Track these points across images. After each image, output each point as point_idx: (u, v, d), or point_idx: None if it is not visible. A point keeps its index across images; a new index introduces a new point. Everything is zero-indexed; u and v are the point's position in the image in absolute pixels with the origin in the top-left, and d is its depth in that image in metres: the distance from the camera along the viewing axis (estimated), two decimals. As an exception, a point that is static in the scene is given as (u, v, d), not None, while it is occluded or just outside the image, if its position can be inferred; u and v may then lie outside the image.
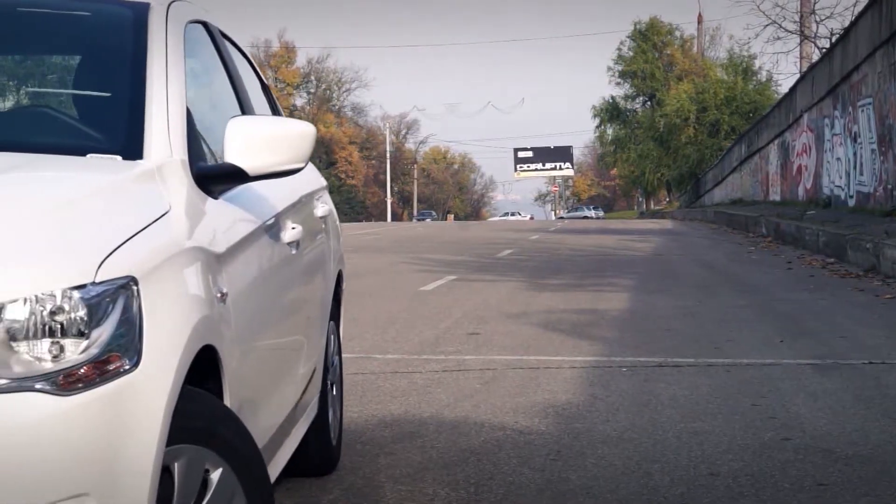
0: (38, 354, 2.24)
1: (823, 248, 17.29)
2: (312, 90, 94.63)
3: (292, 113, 77.32)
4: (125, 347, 2.32)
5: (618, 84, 64.37)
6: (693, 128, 52.84)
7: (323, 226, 4.56)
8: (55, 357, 2.25)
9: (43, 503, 2.18)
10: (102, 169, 2.92)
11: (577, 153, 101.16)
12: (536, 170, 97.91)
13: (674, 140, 54.41)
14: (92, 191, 2.69)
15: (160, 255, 2.55)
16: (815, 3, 32.77)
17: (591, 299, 11.51)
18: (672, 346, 8.22)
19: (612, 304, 11.06)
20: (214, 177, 3.12)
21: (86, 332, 2.27)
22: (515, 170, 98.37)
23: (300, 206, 4.14)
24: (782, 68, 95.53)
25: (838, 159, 23.67)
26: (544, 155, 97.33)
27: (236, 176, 3.14)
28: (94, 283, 2.31)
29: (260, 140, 3.13)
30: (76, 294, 2.27)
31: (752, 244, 21.57)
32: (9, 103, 3.56)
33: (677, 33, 63.26)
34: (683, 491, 4.44)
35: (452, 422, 5.64)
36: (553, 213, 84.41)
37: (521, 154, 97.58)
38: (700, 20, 59.94)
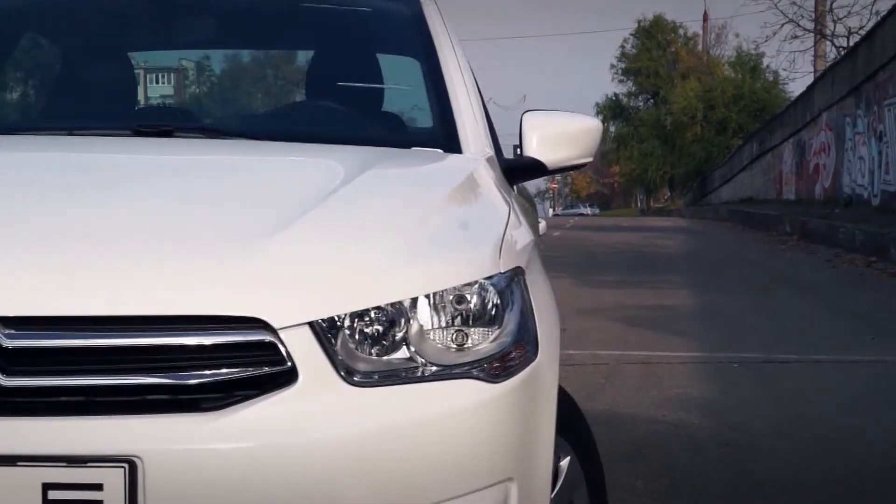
0: (469, 343, 2.29)
1: (860, 246, 17.32)
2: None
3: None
4: (527, 335, 2.37)
5: (621, 81, 64.38)
6: (700, 126, 52.91)
7: None
8: (480, 345, 2.29)
9: (479, 486, 2.22)
10: (452, 163, 2.98)
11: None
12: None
13: (680, 138, 54.47)
14: (459, 184, 2.75)
15: (527, 245, 2.60)
16: (832, 2, 32.84)
17: (654, 296, 11.56)
18: (765, 342, 8.27)
19: (678, 301, 11.11)
20: (517, 170, 3.17)
21: (501, 320, 2.32)
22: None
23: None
24: (799, 67, 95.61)
25: (861, 158, 23.73)
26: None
27: (536, 170, 3.19)
28: (500, 274, 2.36)
29: (554, 135, 3.19)
30: (490, 284, 2.32)
31: (779, 242, 21.62)
32: (307, 98, 3.61)
33: (681, 31, 63.34)
34: (870, 486, 4.48)
35: (601, 415, 5.68)
36: (551, 209, 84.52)
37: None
38: (706, 18, 60.05)
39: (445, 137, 3.12)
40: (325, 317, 2.17)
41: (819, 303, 10.97)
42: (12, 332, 2.08)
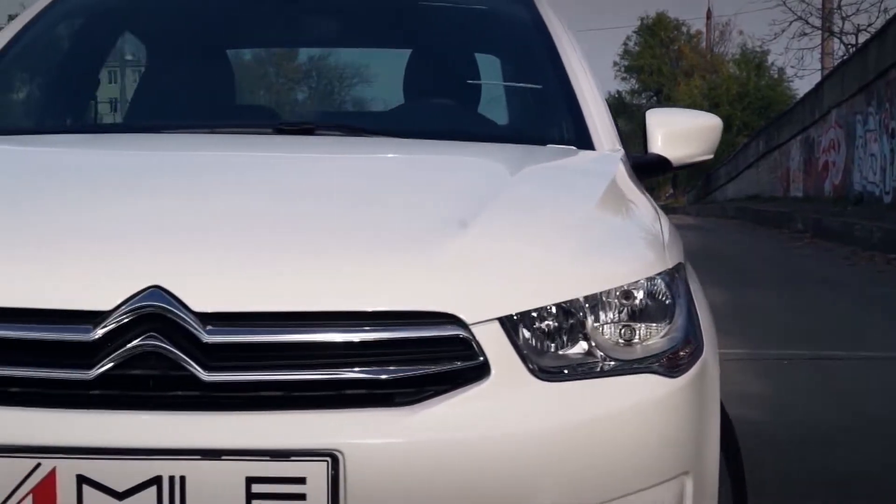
0: (644, 338, 2.34)
1: (878, 244, 17.34)
2: (314, 85, 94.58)
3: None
4: (694, 330, 2.41)
5: (624, 79, 64.46)
6: (705, 123, 52.86)
7: None
8: (655, 340, 2.34)
9: (660, 480, 2.26)
10: (595, 160, 3.02)
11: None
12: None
13: (683, 135, 54.41)
14: (611, 182, 2.80)
15: (679, 241, 2.65)
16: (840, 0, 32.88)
17: (683, 293, 11.57)
18: (807, 338, 8.30)
19: (710, 299, 11.12)
20: (643, 167, 3.22)
21: (672, 315, 2.37)
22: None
23: None
24: (807, 64, 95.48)
25: (872, 155, 23.76)
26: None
27: (661, 166, 3.24)
28: (667, 270, 2.41)
29: (678, 132, 3.24)
30: (660, 280, 2.37)
31: (793, 240, 21.64)
32: (435, 96, 3.65)
33: (685, 29, 63.39)
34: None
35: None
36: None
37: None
38: (709, 16, 60.10)
39: (577, 134, 3.18)
40: (513, 312, 2.22)
41: (849, 299, 11.02)
42: (212, 328, 2.12)
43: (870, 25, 30.30)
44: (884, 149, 22.66)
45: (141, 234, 2.29)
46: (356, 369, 2.14)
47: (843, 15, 32.83)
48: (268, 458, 2.08)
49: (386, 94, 3.56)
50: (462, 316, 2.17)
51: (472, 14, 3.67)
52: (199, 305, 2.12)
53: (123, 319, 2.12)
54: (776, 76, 51.86)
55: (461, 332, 2.17)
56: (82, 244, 2.27)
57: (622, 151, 3.15)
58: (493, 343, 2.18)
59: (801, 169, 31.68)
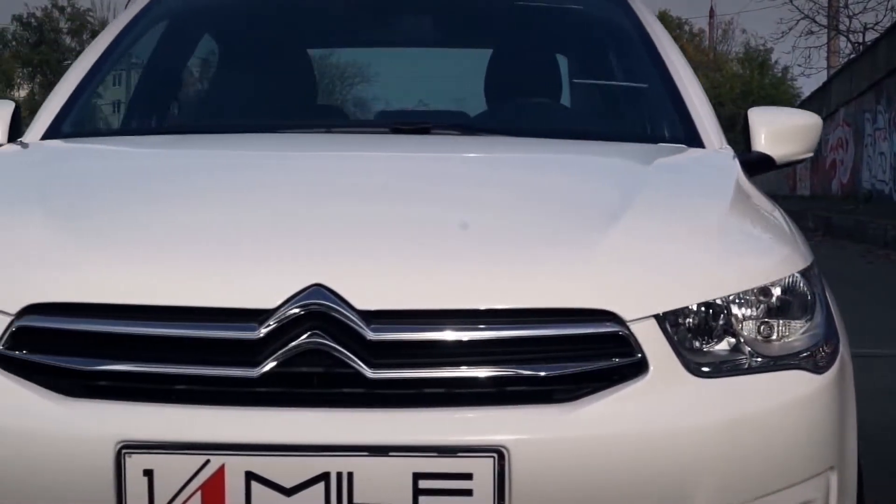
0: (789, 335, 2.37)
1: (892, 242, 17.36)
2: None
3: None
4: (832, 326, 2.45)
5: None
6: (708, 122, 52.96)
7: None
8: (797, 337, 2.38)
9: (810, 475, 2.30)
10: (714, 158, 3.05)
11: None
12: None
13: (686, 134, 54.51)
14: (735, 180, 2.83)
15: (802, 238, 2.68)
16: (847, -1, 32.91)
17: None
18: (871, 336, 8.28)
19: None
20: (748, 164, 3.24)
21: (812, 312, 2.42)
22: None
23: None
24: (814, 62, 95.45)
25: (881, 154, 23.78)
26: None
27: (765, 164, 3.27)
28: (806, 267, 2.45)
29: (781, 130, 3.27)
30: (800, 277, 2.42)
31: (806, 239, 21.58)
32: (543, 95, 3.68)
33: (687, 27, 63.42)
34: None
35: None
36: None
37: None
38: (712, 14, 60.15)
39: (685, 133, 3.21)
40: (669, 309, 2.24)
41: (875, 299, 11.01)
42: (376, 326, 2.14)
43: (877, 24, 30.33)
44: (893, 147, 22.69)
45: (301, 234, 2.31)
46: (516, 366, 2.16)
47: (850, 13, 32.86)
48: (434, 454, 2.10)
49: (477, 93, 3.57)
50: (620, 313, 2.19)
51: (572, 15, 3.71)
52: (362, 303, 2.15)
53: (288, 317, 2.14)
54: (780, 74, 51.92)
55: (619, 329, 2.19)
56: (245, 244, 2.29)
57: (731, 149, 3.18)
58: (650, 340, 2.20)
59: (809, 167, 31.70)
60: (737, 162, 3.04)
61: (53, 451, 2.12)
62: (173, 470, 2.10)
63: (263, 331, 2.14)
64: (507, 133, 3.30)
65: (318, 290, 2.15)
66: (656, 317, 2.23)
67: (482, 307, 2.17)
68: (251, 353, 2.14)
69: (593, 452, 2.14)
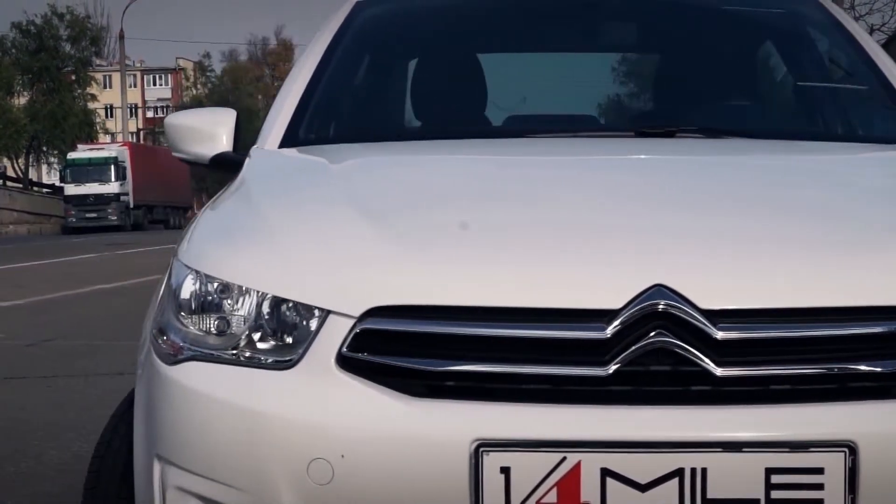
0: None
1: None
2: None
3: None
4: None
5: (622, 83, 64.61)
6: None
7: None
8: None
9: None
10: None
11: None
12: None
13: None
14: None
15: None
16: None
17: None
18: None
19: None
20: None
21: None
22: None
23: None
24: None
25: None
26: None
27: None
28: None
29: None
30: None
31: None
32: (767, 95, 3.74)
33: (685, 30, 63.59)
34: None
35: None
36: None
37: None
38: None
39: None
40: None
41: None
42: (723, 324, 2.19)
43: (883, 25, 30.47)
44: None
45: (641, 236, 2.36)
46: (854, 363, 2.21)
47: (857, 14, 32.95)
48: (786, 449, 2.14)
49: (726, 93, 3.63)
50: None
51: (773, 17, 3.76)
52: (706, 303, 2.19)
53: (633, 317, 2.18)
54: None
55: None
56: (579, 246, 2.34)
57: None
58: None
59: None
60: None
61: (408, 451, 2.16)
62: (530, 467, 2.14)
63: (611, 330, 2.18)
64: (751, 135, 3.35)
65: (660, 290, 2.20)
66: None
67: (824, 305, 2.22)
68: (600, 352, 2.19)
69: None
